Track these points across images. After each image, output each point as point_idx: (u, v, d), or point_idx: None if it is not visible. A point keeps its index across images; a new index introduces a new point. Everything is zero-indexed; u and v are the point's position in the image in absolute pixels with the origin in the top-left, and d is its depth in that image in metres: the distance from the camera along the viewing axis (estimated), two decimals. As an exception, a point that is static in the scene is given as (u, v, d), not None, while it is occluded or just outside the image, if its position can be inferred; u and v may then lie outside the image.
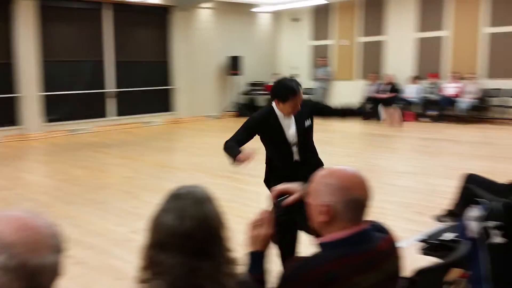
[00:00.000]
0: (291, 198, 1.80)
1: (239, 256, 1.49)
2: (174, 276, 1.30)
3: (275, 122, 3.24)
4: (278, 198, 1.82)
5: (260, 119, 3.34)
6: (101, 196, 5.98)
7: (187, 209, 1.36)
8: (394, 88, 12.75)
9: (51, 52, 11.61)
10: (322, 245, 1.62)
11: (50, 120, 11.59)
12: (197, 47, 14.06)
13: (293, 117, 3.22)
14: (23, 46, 11.04)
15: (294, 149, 3.30)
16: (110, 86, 12.68)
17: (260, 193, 5.98)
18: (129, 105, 12.97)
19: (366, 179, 1.62)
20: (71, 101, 11.99)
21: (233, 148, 3.22)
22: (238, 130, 3.38)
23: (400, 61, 13.06)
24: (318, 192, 1.60)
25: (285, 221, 1.77)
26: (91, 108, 12.35)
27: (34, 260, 0.99)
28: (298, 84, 3.20)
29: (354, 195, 1.57)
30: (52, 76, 11.63)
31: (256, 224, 1.72)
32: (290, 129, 3.24)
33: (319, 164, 3.39)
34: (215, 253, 1.37)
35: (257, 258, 1.65)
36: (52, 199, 5.81)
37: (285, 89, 3.14)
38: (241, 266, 1.53)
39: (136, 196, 5.91)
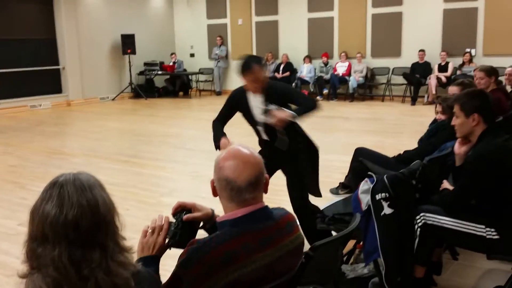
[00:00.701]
0: (191, 215, 1.77)
1: (134, 243, 1.44)
2: (55, 268, 1.22)
3: (244, 100, 3.31)
4: (178, 211, 1.79)
5: (232, 96, 3.46)
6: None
7: (68, 196, 1.27)
8: (290, 68, 13.11)
9: None
10: (219, 224, 1.64)
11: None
12: (87, 24, 13.23)
13: (262, 98, 3.23)
14: None
15: (260, 128, 3.36)
16: (-12, 67, 11.53)
17: (160, 177, 5.89)
18: (13, 87, 11.93)
19: (253, 162, 1.62)
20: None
21: (216, 131, 3.39)
22: (221, 108, 3.53)
23: (294, 40, 13.42)
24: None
25: (179, 235, 1.74)
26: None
27: None
28: (256, 61, 3.20)
29: (225, 176, 1.60)
30: None
31: (150, 230, 1.69)
32: (256, 109, 3.28)
33: (303, 150, 3.34)
34: (105, 242, 1.29)
35: (149, 262, 1.60)
36: None
37: (241, 64, 3.21)
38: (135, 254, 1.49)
39: (24, 186, 5.51)
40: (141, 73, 14.50)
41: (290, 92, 3.49)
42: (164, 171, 6.14)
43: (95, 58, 13.46)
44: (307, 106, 3.21)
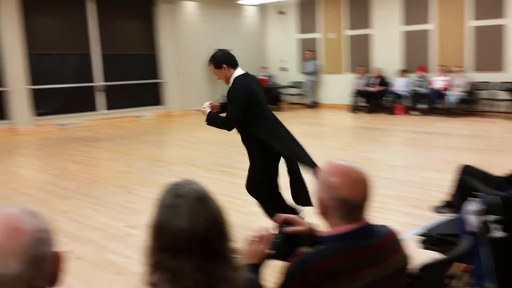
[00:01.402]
0: (293, 229, 1.79)
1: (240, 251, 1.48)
2: (191, 281, 1.25)
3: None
4: (283, 224, 1.83)
5: None
6: (95, 190, 5.95)
7: (195, 209, 1.31)
8: (383, 82, 12.84)
9: (36, 45, 11.45)
10: (324, 239, 1.64)
11: (39, 114, 11.47)
12: (184, 40, 13.98)
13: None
14: (8, 40, 10.88)
15: None
16: (98, 79, 12.57)
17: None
18: (119, 99, 12.89)
19: (363, 178, 1.63)
20: (59, 95, 11.87)
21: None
22: None
23: (387, 54, 13.12)
24: (318, 186, 1.66)
25: (281, 247, 1.78)
26: (80, 102, 12.24)
27: None
28: (212, 57, 3.90)
29: (341, 195, 1.58)
30: (39, 69, 11.49)
31: (254, 240, 1.72)
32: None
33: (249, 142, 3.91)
34: (225, 253, 1.34)
35: (253, 270, 1.64)
36: (46, 194, 5.77)
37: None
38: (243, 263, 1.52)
39: (130, 191, 5.89)
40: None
41: (231, 96, 3.87)
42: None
43: (192, 72, 14.15)
44: (220, 120, 3.89)
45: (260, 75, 14.83)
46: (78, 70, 12.25)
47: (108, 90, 12.68)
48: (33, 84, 11.36)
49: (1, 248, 0.93)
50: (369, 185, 1.64)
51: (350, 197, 1.59)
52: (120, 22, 12.96)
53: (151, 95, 13.63)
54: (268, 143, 3.73)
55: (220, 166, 7.20)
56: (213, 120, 3.88)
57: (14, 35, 10.93)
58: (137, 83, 13.23)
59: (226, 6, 14.84)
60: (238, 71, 3.88)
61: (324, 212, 1.65)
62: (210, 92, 14.61)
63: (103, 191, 5.97)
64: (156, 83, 13.75)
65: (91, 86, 12.47)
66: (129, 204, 5.35)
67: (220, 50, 3.99)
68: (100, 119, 12.37)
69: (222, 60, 3.85)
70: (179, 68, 13.90)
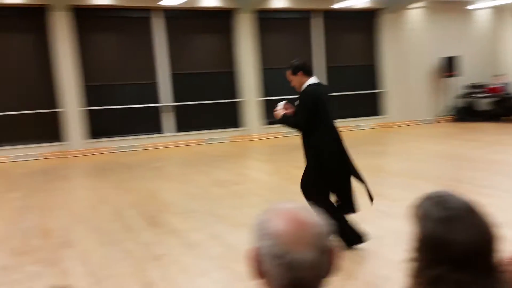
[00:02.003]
0: None
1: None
2: None
3: None
4: None
5: None
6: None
7: (469, 221, 1.29)
8: None
9: (268, 60, 12.60)
10: None
11: (269, 123, 12.59)
12: (407, 49, 13.62)
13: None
14: (244, 56, 12.23)
15: None
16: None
17: (487, 205, 5.48)
18: (340, 109, 13.25)
19: None
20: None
21: None
22: None
23: None
24: None
25: None
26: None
27: (292, 253, 1.05)
28: (291, 64, 4.18)
29: None
30: (269, 82, 12.61)
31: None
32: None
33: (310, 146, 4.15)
34: (494, 266, 1.29)
35: None
36: (277, 196, 6.28)
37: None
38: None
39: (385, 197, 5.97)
40: (461, 95, 13.92)
41: (300, 97, 4.12)
42: (491, 199, 5.70)
43: (414, 81, 13.69)
44: (292, 121, 4.16)
45: (492, 83, 13.49)
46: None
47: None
48: (264, 96, 12.53)
49: (298, 237, 1.07)
50: None
51: None
52: (343, 35, 13.36)
53: (369, 105, 13.65)
54: (321, 151, 4.07)
55: (446, 180, 6.77)
56: (286, 120, 4.23)
57: (249, 51, 12.25)
58: (356, 94, 13.41)
59: (454, 12, 13.98)
60: (312, 80, 4.18)
61: None
62: (432, 103, 13.91)
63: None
64: (375, 93, 13.70)
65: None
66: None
67: (299, 59, 4.31)
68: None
69: (300, 67, 4.18)
70: (401, 77, 13.61)
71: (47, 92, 10.83)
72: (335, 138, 4.15)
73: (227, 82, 12.41)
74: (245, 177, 7.73)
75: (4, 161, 10.24)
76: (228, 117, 12.45)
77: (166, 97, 11.82)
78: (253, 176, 7.91)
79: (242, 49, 12.22)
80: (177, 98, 11.87)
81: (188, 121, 12.06)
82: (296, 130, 4.21)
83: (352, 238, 4.15)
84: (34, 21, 10.63)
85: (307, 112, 4.05)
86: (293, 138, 11.88)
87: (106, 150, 11.03)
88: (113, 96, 11.35)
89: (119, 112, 11.33)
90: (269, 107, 12.57)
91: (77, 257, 4.35)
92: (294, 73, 4.19)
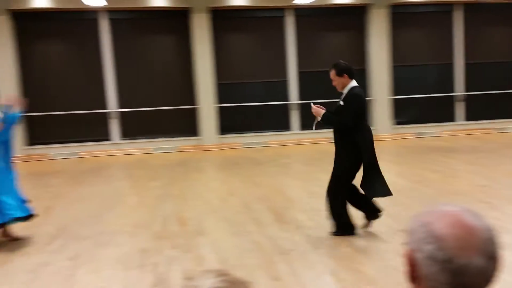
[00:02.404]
0: None
1: None
2: None
3: None
4: None
5: None
6: (455, 202, 5.80)
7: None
8: None
9: (400, 57, 12.07)
10: None
11: (398, 123, 12.08)
12: None
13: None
14: (376, 53, 11.85)
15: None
16: (459, 89, 12.26)
17: None
18: (479, 110, 12.25)
19: None
20: (419, 105, 12.19)
21: None
22: None
23: None
24: None
25: None
26: (439, 112, 12.24)
27: (460, 258, 0.98)
28: (336, 64, 4.60)
29: None
30: (401, 80, 12.08)
31: None
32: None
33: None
34: None
35: None
36: (407, 199, 6.00)
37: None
38: None
39: (495, 207, 5.48)
40: None
41: (345, 106, 4.48)
42: None
43: None
44: (337, 120, 4.50)
45: None
46: (439, 80, 12.28)
47: (467, 100, 12.23)
48: (395, 94, 12.04)
49: (466, 242, 1.01)
50: None
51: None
52: (486, 29, 12.29)
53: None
54: (362, 150, 4.41)
55: None
56: (329, 119, 4.59)
57: (381, 49, 11.84)
58: (499, 93, 12.25)
59: None
60: (354, 83, 4.57)
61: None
62: None
63: (464, 203, 5.75)
64: (525, 93, 12.40)
65: (451, 96, 12.29)
66: (495, 221, 4.98)
67: (344, 62, 4.65)
68: (459, 130, 12.05)
69: (346, 69, 4.54)
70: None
71: (186, 90, 11.62)
72: (372, 137, 4.53)
73: (356, 80, 12.13)
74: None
75: (146, 152, 11.22)
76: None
77: (293, 95, 11.96)
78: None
79: (374, 46, 11.86)
80: (303, 96, 11.94)
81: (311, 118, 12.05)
82: (339, 128, 4.53)
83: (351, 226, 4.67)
84: (177, 23, 11.46)
85: (356, 112, 4.42)
86: (426, 139, 11.32)
87: (235, 145, 11.50)
88: (244, 93, 11.78)
89: (249, 109, 11.73)
90: (399, 106, 12.08)
91: (209, 245, 4.60)
92: (340, 74, 4.52)
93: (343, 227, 4.67)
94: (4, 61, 10.62)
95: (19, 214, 4.76)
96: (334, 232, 4.70)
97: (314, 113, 4.65)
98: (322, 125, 4.75)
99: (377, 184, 4.50)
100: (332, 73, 4.55)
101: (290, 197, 6.44)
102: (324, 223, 5.12)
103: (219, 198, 6.55)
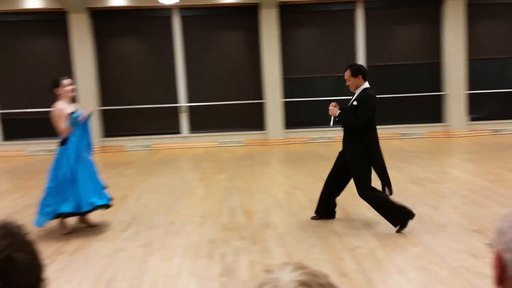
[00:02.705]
0: None
1: None
2: None
3: None
4: None
5: None
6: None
7: None
8: None
9: (477, 50, 11.47)
10: None
11: (473, 119, 11.51)
12: None
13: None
14: (451, 46, 11.33)
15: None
16: (542, 83, 11.48)
17: None
18: None
19: None
20: (496, 100, 11.54)
21: None
22: None
23: None
24: None
25: None
26: (518, 108, 11.54)
27: None
28: (352, 65, 4.76)
29: None
30: (478, 74, 11.49)
31: None
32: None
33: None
34: None
35: None
36: (482, 198, 5.72)
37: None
38: None
39: None
40: None
41: (359, 106, 4.63)
42: None
43: None
44: (351, 119, 4.70)
45: None
46: (518, 74, 11.57)
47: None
48: (471, 89, 11.47)
49: None
50: None
51: None
52: None
53: None
54: (371, 150, 4.63)
55: None
56: (343, 118, 4.74)
57: (457, 41, 11.31)
58: None
59: None
60: (367, 84, 4.72)
61: None
62: None
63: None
64: None
65: (532, 91, 11.54)
66: None
67: (359, 64, 5.02)
68: (539, 127, 11.29)
69: (362, 71, 4.69)
70: None
71: (253, 84, 11.73)
72: (378, 137, 4.73)
73: (429, 74, 11.70)
74: (445, 176, 7.21)
75: (213, 145, 11.46)
76: (427, 111, 11.75)
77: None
78: (454, 175, 7.33)
79: (449, 39, 11.34)
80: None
81: (383, 114, 11.75)
82: (356, 126, 4.63)
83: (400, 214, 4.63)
84: (246, 19, 11.58)
85: (370, 112, 4.58)
86: (503, 136, 10.69)
87: (301, 140, 11.47)
88: (311, 88, 11.70)
89: (315, 104, 11.64)
90: (475, 101, 11.49)
91: (276, 238, 4.63)
92: (355, 75, 4.67)
93: (400, 217, 4.59)
94: (84, 57, 11.23)
95: (100, 202, 5.05)
96: (398, 229, 4.60)
97: (330, 113, 4.81)
98: (338, 122, 4.87)
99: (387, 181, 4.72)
100: (347, 73, 4.72)
101: (356, 193, 6.32)
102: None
103: (285, 192, 6.57)
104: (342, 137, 4.88)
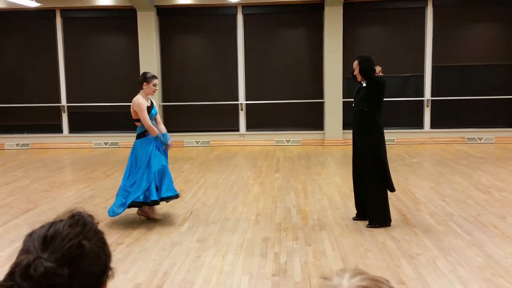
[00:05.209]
0: None
1: None
2: None
3: None
4: None
5: None
6: None
7: None
8: None
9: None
10: None
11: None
12: None
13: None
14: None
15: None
16: None
17: None
18: None
19: None
20: None
21: None
22: None
23: None
24: None
25: None
26: None
27: None
28: (360, 56, 5.06)
29: None
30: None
31: None
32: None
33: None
34: None
35: None
36: (556, 210, 5.33)
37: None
38: None
39: None
40: None
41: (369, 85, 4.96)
42: None
43: None
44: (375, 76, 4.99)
45: None
46: None
47: None
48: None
49: None
50: None
51: None
52: None
53: None
54: (380, 140, 4.99)
55: None
56: (370, 73, 4.88)
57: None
58: None
59: None
60: None
61: None
62: None
63: None
64: None
65: None
66: None
67: (366, 55, 5.08)
68: None
69: (368, 61, 4.90)
70: None
71: (313, 84, 11.61)
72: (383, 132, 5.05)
73: (500, 76, 11.08)
74: (513, 184, 6.80)
75: (270, 144, 11.45)
76: (498, 115, 11.13)
77: (427, 91, 11.30)
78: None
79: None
80: (437, 92, 11.23)
81: (447, 116, 11.28)
82: (374, 84, 4.89)
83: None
84: (310, 16, 11.47)
85: (381, 81, 4.94)
86: None
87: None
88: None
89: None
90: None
91: (331, 241, 4.54)
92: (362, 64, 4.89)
93: (383, 219, 4.86)
94: (150, 54, 11.55)
95: (168, 194, 5.21)
96: (370, 226, 4.87)
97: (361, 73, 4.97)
98: (366, 77, 4.95)
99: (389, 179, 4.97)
100: (356, 64, 4.98)
101: (419, 199, 6.10)
102: (456, 229, 4.76)
103: (341, 194, 6.44)
104: (353, 130, 5.18)
